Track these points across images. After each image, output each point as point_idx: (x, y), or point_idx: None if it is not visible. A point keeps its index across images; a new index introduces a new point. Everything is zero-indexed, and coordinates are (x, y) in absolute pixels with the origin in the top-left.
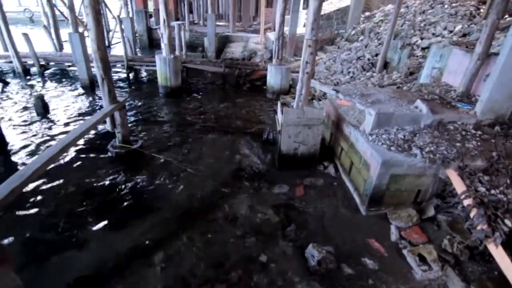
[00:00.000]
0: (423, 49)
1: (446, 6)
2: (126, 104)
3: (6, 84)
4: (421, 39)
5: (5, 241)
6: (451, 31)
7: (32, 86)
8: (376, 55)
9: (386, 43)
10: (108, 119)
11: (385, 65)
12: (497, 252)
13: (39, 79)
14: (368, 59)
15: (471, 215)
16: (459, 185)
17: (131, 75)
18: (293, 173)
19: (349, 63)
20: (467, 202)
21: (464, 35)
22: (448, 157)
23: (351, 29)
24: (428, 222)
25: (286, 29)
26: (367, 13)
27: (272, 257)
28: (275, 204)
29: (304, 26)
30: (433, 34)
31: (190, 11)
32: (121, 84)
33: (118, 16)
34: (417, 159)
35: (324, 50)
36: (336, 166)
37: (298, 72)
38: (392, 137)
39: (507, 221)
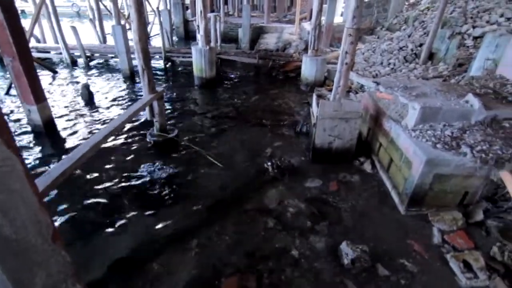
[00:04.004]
0: (475, 38)
1: None
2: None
3: (55, 73)
4: (473, 27)
5: (54, 219)
6: (508, 19)
7: (78, 76)
8: (421, 45)
9: (433, 32)
10: (147, 108)
11: (430, 56)
12: None
13: (85, 70)
14: (411, 50)
15: None
16: None
17: (168, 66)
18: (327, 167)
19: (390, 54)
20: None
21: None
22: (502, 157)
23: (393, 17)
24: (475, 227)
25: (323, 18)
26: (411, 0)
27: (304, 252)
28: (307, 198)
29: (341, 15)
30: (488, 22)
31: (225, 2)
32: (159, 75)
33: (157, 8)
34: (467, 158)
35: (363, 40)
36: (373, 162)
37: (334, 63)
38: (438, 133)
39: None
